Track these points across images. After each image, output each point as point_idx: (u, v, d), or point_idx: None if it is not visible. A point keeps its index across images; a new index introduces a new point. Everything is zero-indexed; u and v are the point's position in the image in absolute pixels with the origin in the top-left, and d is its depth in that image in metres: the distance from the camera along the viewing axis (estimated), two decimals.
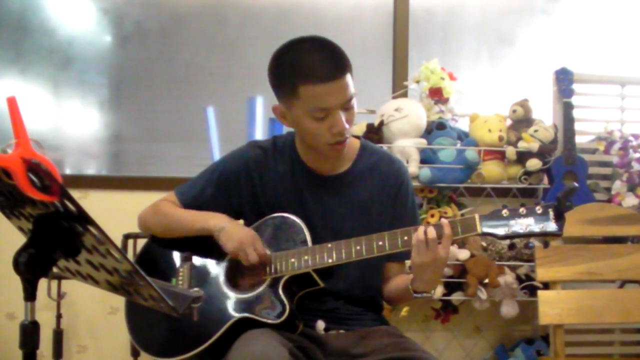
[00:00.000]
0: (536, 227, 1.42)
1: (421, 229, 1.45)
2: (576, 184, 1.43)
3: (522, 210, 1.44)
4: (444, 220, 1.47)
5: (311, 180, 1.68)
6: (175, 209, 1.72)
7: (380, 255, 1.53)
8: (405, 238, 1.50)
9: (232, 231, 1.59)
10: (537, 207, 1.44)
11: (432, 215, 2.58)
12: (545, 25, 3.18)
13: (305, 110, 1.53)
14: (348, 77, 1.52)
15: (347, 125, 1.54)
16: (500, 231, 1.44)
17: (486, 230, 1.45)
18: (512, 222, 1.44)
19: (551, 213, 1.42)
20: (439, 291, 2.56)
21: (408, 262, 1.72)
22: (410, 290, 1.55)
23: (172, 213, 1.71)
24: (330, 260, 1.54)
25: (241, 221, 1.71)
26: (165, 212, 1.72)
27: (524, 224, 1.43)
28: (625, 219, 2.37)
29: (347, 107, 1.53)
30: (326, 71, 1.49)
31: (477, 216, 1.46)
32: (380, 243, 1.51)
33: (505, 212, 1.45)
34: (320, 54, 1.51)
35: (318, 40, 1.56)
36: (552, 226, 1.42)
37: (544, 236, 1.44)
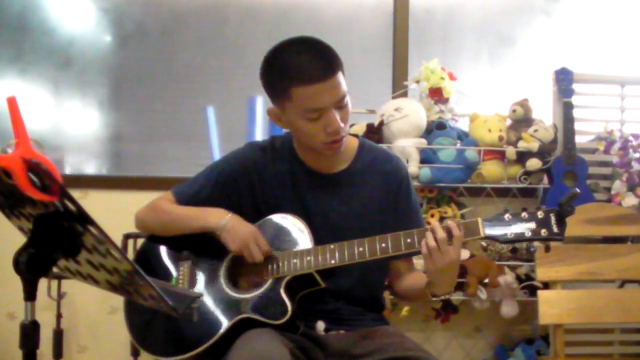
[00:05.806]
0: (538, 232, 1.43)
1: (430, 235, 1.45)
2: (578, 190, 1.43)
3: (524, 214, 1.45)
4: (450, 223, 1.46)
5: (311, 179, 1.68)
6: (174, 206, 1.70)
7: (383, 257, 1.53)
8: (409, 240, 1.50)
9: (233, 230, 1.59)
10: (539, 212, 1.44)
11: (432, 215, 2.58)
12: (545, 25, 3.18)
13: (298, 111, 1.52)
14: (339, 75, 1.52)
15: (341, 124, 1.53)
16: (503, 235, 1.45)
17: (489, 234, 1.46)
18: (514, 226, 1.45)
19: (553, 218, 1.43)
20: None
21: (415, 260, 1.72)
22: (429, 296, 1.56)
23: (171, 210, 1.69)
24: (332, 262, 1.54)
25: None
26: (163, 209, 1.70)
27: (526, 228, 1.44)
28: (625, 219, 2.37)
29: (340, 105, 1.53)
30: (316, 71, 1.48)
31: (479, 220, 1.47)
32: (384, 245, 1.51)
33: (507, 216, 1.46)
34: (309, 54, 1.51)
35: (306, 41, 1.55)
36: (553, 231, 1.42)
37: (546, 240, 1.45)
